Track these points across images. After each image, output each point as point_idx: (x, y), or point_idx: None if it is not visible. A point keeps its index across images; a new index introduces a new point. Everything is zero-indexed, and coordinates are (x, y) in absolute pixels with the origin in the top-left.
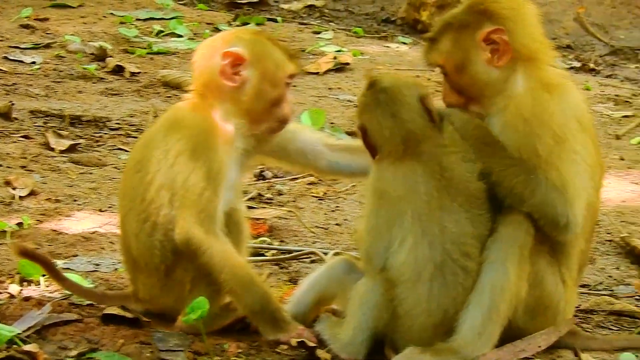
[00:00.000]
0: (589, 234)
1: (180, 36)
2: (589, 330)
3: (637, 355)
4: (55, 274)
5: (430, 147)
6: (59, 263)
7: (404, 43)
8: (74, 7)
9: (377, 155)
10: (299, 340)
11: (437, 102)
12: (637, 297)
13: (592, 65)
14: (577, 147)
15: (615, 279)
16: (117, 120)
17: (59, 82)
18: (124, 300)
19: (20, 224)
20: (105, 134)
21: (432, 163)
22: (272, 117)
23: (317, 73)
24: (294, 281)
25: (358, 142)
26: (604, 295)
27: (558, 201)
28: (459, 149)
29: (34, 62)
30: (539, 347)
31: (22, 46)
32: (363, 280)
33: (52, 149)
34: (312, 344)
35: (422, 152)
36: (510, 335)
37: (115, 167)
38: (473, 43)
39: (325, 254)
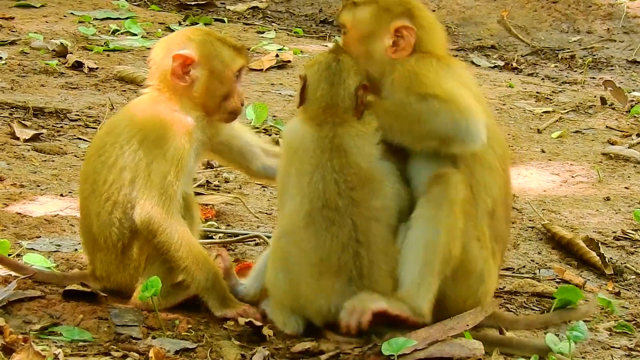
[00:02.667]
0: (504, 199)
1: (134, 35)
2: (513, 310)
3: (557, 334)
4: (13, 266)
5: (338, 120)
6: (24, 244)
7: None
8: (37, 7)
9: (301, 106)
10: (247, 320)
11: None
12: (557, 280)
13: (514, 65)
14: (458, 89)
15: (537, 263)
16: (77, 112)
17: (23, 76)
18: (82, 280)
19: None
20: (66, 124)
21: (328, 129)
22: (223, 109)
23: (260, 70)
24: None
25: None
26: (527, 278)
27: (453, 112)
28: (366, 132)
29: (0, 58)
30: (467, 325)
31: None
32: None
33: (17, 138)
34: (259, 323)
35: (330, 122)
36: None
37: (75, 155)
38: (386, 27)
39: (269, 237)
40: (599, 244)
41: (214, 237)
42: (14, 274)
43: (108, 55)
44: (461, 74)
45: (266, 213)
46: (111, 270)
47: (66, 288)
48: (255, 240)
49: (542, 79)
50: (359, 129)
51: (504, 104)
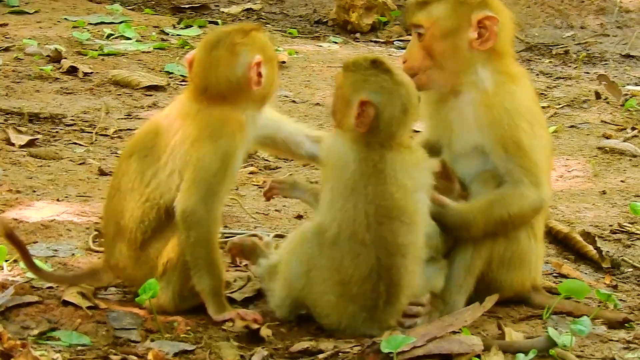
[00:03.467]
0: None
1: (128, 39)
2: (511, 305)
3: (556, 328)
4: (29, 261)
5: (387, 144)
6: None
7: (335, 42)
8: (30, 13)
9: (350, 126)
10: (244, 325)
11: None
12: (555, 275)
13: None
14: (540, 131)
15: None
16: (72, 117)
17: (18, 82)
18: (93, 275)
19: None
20: (61, 129)
21: (375, 152)
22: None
23: None
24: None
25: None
26: None
27: (535, 189)
28: (410, 161)
29: None
30: (465, 321)
31: None
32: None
33: (13, 144)
34: (256, 326)
35: (378, 144)
36: (490, 288)
37: (70, 160)
38: (467, 20)
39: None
40: (596, 238)
41: None
42: (11, 279)
43: (102, 59)
44: (528, 90)
45: (263, 214)
46: (128, 264)
47: (64, 298)
48: None
49: (537, 74)
50: (404, 157)
51: None
